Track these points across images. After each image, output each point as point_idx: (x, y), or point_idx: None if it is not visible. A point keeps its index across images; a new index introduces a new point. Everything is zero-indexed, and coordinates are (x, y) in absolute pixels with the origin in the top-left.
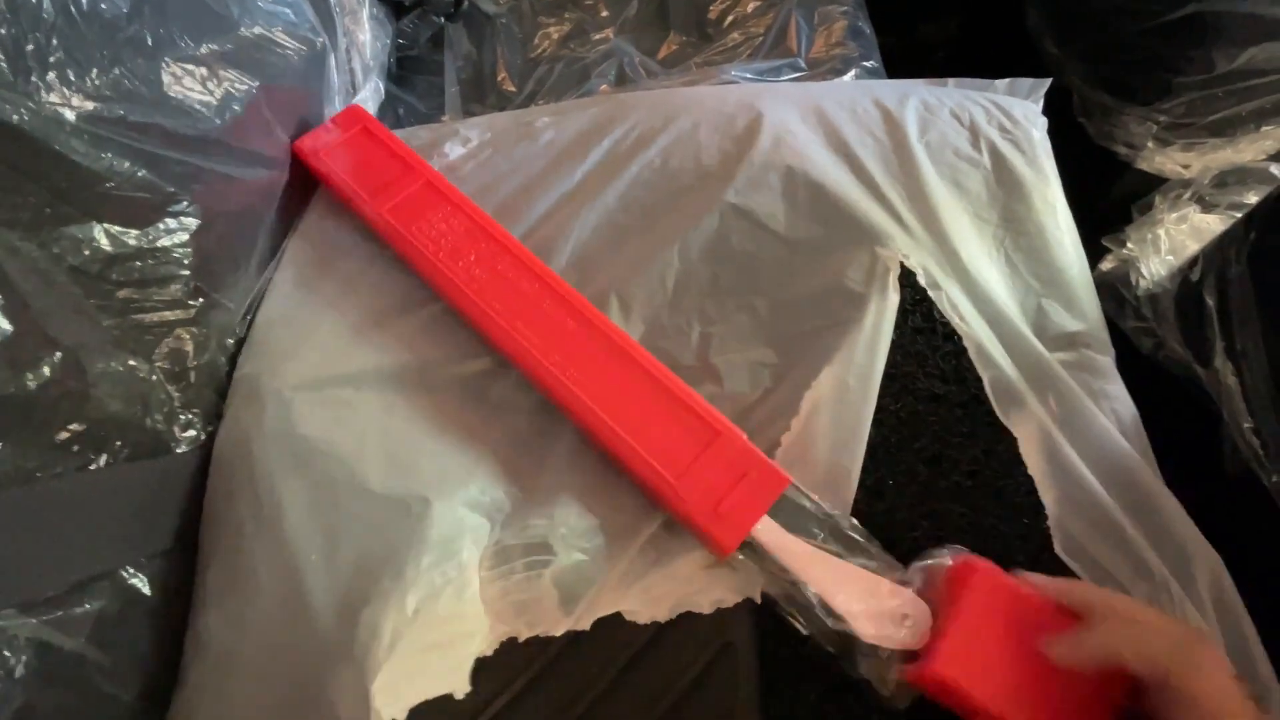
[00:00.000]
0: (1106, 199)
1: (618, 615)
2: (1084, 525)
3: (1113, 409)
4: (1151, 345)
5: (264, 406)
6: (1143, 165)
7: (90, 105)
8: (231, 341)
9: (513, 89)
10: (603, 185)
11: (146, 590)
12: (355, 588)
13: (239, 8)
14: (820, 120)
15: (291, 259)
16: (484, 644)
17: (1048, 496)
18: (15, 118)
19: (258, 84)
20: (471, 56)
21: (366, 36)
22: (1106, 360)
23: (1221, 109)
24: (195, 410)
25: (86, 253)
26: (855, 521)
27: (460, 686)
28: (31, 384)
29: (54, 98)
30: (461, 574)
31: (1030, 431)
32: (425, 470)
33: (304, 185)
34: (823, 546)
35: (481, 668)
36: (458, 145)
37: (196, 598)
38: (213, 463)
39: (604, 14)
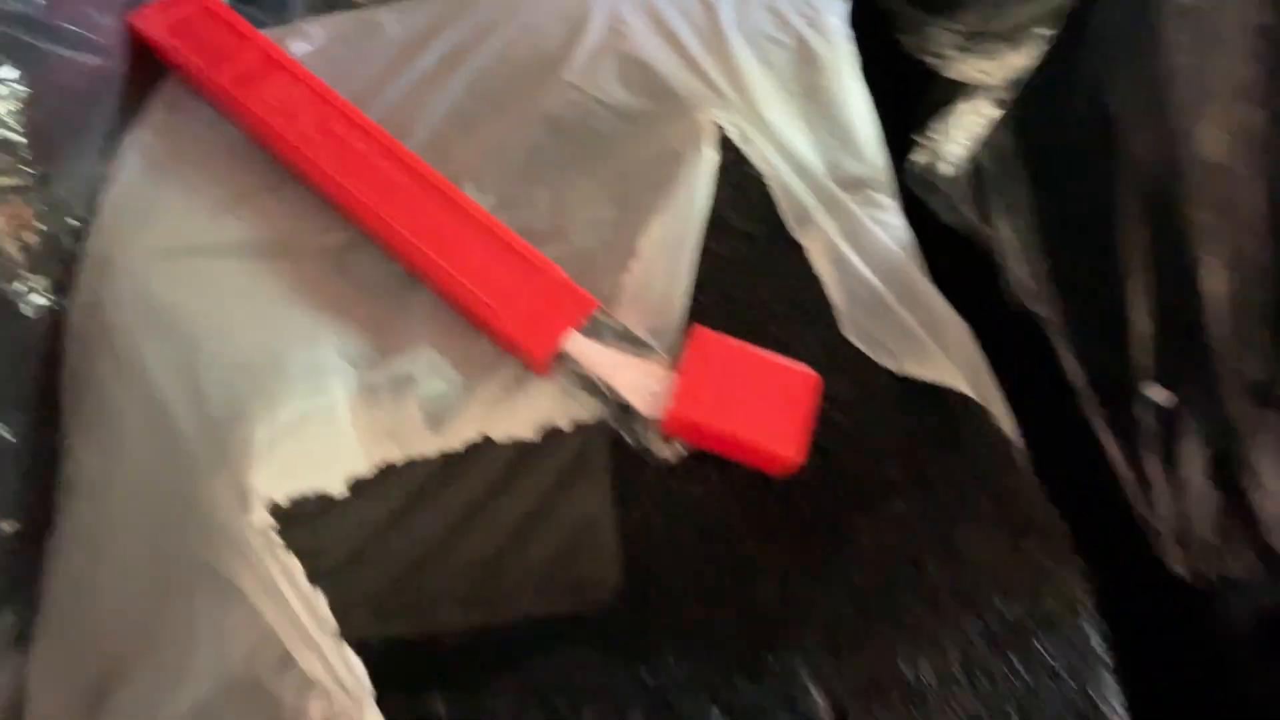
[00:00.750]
0: (922, 105)
1: (489, 442)
2: (865, 314)
3: (890, 231)
4: (951, 216)
5: (116, 275)
6: (950, 74)
7: None
8: (74, 222)
9: (360, 2)
10: (449, 73)
11: (9, 437)
12: (225, 412)
13: None
14: (647, 9)
15: (135, 145)
16: (361, 465)
17: (836, 295)
18: None
19: None
20: None
21: None
22: (888, 199)
23: (1009, 17)
24: (41, 278)
25: None
26: (645, 330)
27: (337, 489)
28: None
29: None
30: (331, 406)
31: (819, 245)
32: (290, 326)
33: (144, 80)
34: (619, 349)
35: (361, 490)
36: (302, 43)
37: (63, 449)
38: (67, 330)
39: None
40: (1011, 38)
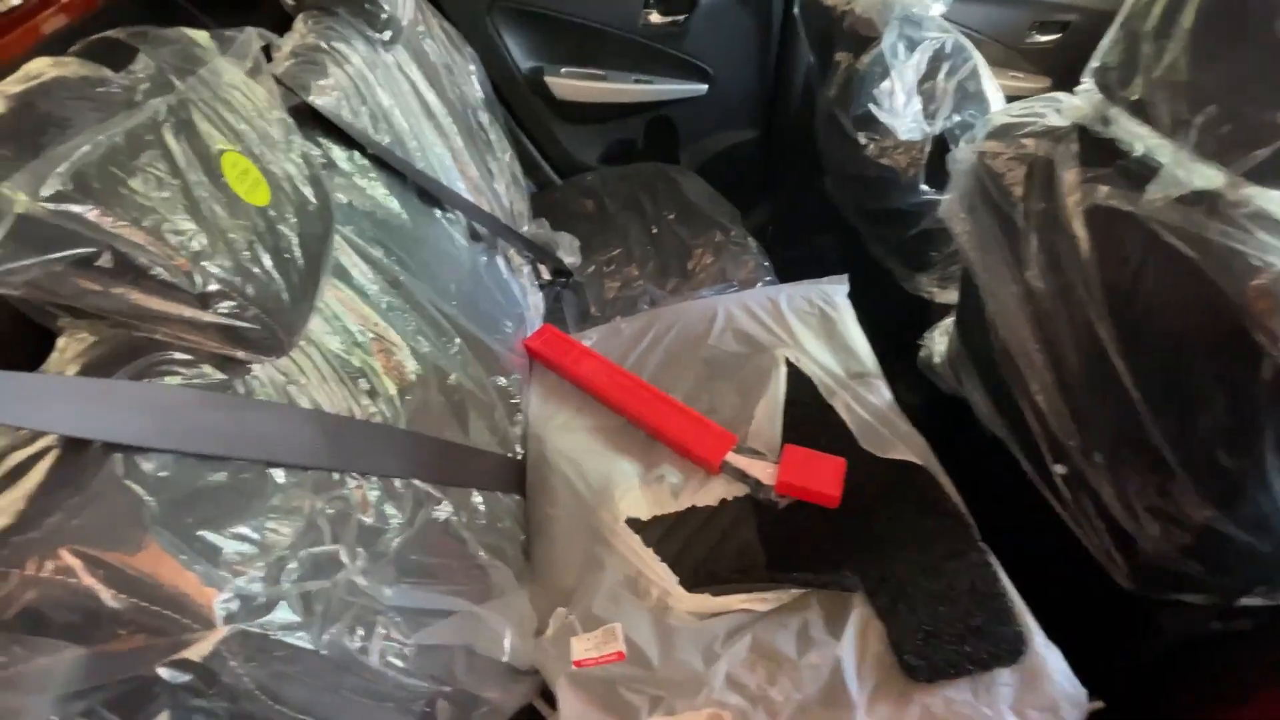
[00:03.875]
0: (916, 321)
1: (695, 506)
2: (866, 433)
3: (878, 396)
4: (943, 384)
5: (544, 440)
6: (936, 299)
7: None
8: (519, 415)
9: (597, 314)
10: (656, 347)
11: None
12: (600, 488)
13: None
14: (743, 307)
15: (535, 384)
16: (646, 512)
17: (851, 426)
18: None
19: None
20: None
21: (537, 298)
22: (877, 381)
23: (951, 267)
24: (521, 438)
25: None
26: (762, 449)
27: (645, 517)
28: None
29: None
30: (635, 487)
31: (841, 404)
32: (614, 456)
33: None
34: (750, 457)
35: (649, 523)
36: (591, 337)
37: (530, 506)
38: (528, 463)
39: (634, 270)
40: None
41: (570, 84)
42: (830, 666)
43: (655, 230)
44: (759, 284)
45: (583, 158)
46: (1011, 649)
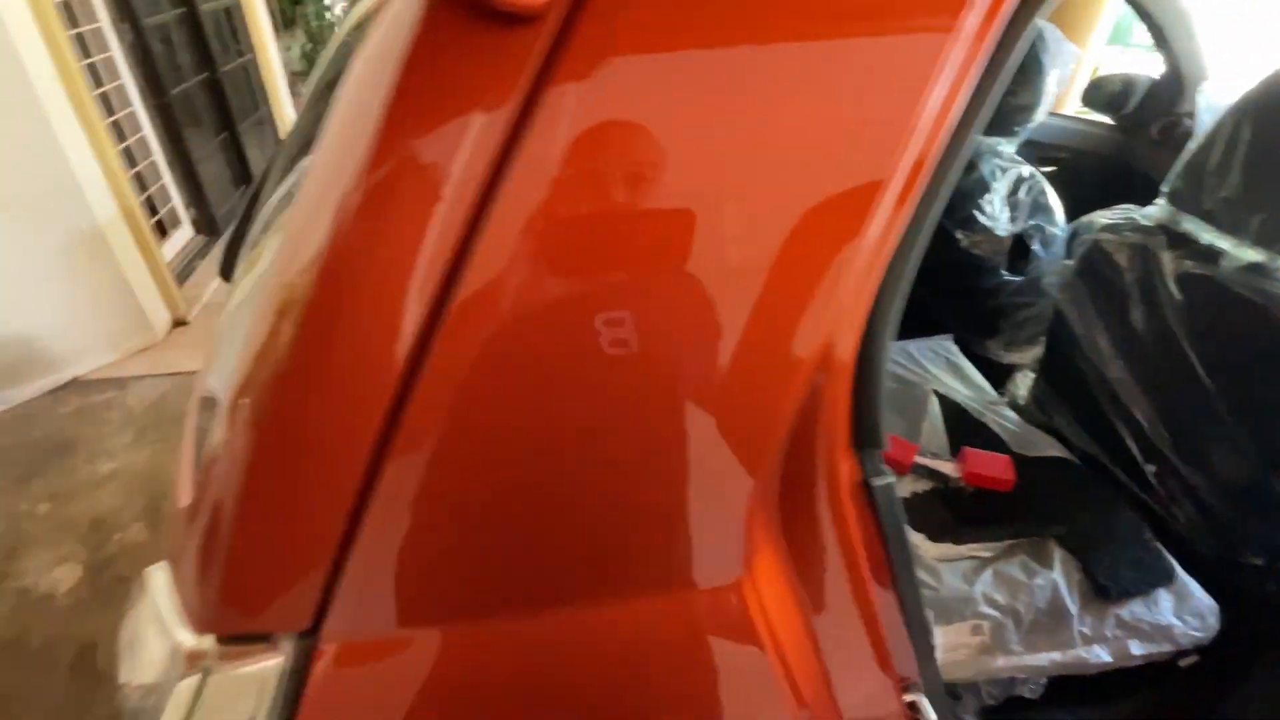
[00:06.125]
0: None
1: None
2: (1013, 439)
3: (1007, 415)
4: (1030, 416)
5: None
6: (1007, 360)
7: None
8: None
9: None
10: None
11: None
12: None
13: None
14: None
15: None
16: None
17: (1002, 434)
18: None
19: None
20: None
21: None
22: (1004, 406)
23: (1023, 333)
24: None
25: None
26: (938, 452)
27: None
28: None
29: None
30: None
31: (989, 421)
32: None
33: None
34: (932, 459)
35: None
36: None
37: None
38: None
39: None
40: (1030, 342)
41: None
42: (1051, 587)
43: None
44: None
45: None
46: (1166, 576)
